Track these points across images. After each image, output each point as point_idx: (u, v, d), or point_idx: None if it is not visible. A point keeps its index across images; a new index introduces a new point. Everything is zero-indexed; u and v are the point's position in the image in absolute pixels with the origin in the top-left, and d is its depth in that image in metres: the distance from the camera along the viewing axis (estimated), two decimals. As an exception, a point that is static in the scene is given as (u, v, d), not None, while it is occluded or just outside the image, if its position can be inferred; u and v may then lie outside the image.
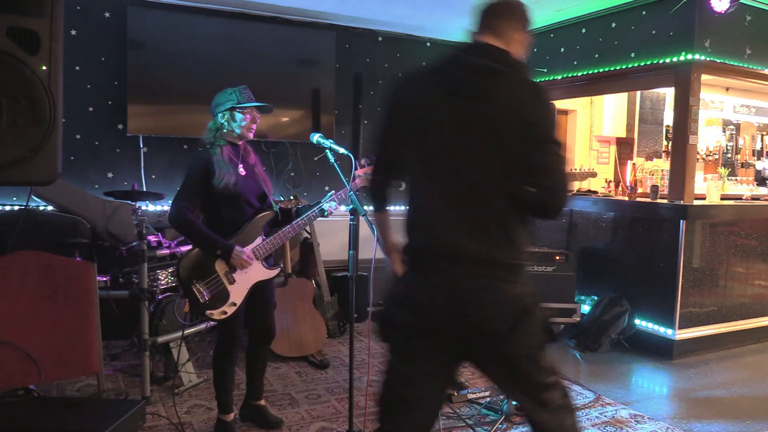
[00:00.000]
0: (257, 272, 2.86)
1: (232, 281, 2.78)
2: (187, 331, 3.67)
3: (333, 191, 2.99)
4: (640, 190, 5.21)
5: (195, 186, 2.75)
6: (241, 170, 2.82)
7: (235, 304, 2.77)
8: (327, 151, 2.77)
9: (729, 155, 7.93)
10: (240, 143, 2.89)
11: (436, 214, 1.75)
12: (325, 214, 2.94)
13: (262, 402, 3.16)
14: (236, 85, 2.90)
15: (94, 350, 2.50)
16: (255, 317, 2.99)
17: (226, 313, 2.74)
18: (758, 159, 8.14)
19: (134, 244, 3.71)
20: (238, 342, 2.91)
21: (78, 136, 4.72)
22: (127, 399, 3.35)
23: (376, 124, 1.98)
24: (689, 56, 4.33)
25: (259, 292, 2.91)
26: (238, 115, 2.81)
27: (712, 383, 4.02)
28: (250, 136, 2.86)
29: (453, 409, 3.32)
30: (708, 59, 4.37)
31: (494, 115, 1.70)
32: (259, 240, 2.86)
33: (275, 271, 2.93)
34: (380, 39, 5.89)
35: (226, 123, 2.80)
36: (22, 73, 2.20)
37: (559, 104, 5.95)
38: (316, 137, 2.81)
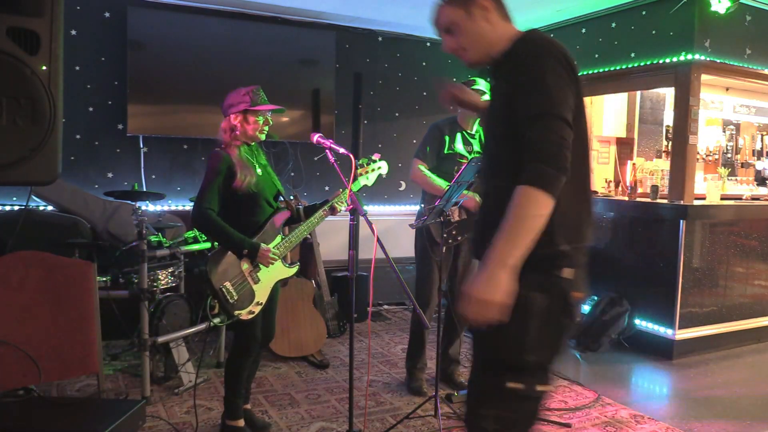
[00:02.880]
0: (279, 271, 2.88)
1: (257, 280, 2.79)
2: (186, 332, 3.67)
3: (341, 189, 3.02)
4: (640, 190, 5.21)
5: (217, 186, 2.75)
6: (258, 170, 2.86)
7: (260, 304, 2.78)
8: (327, 151, 2.77)
9: (729, 155, 7.93)
10: (252, 144, 2.92)
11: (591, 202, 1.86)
12: (339, 210, 3.00)
13: (248, 406, 3.15)
14: (238, 85, 2.91)
15: (94, 350, 2.50)
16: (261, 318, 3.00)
17: (253, 312, 2.75)
18: (758, 159, 8.15)
19: (134, 244, 3.71)
20: (257, 343, 2.92)
21: (78, 136, 4.72)
22: (127, 399, 3.35)
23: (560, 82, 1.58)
24: (689, 56, 4.33)
25: (271, 293, 2.92)
26: (251, 118, 2.83)
27: (712, 383, 4.02)
28: (262, 137, 2.89)
29: (453, 409, 3.32)
30: (708, 59, 4.37)
31: None
32: (278, 239, 2.89)
33: (295, 269, 2.97)
34: (380, 39, 5.89)
35: (238, 125, 2.81)
36: (22, 73, 2.20)
37: (559, 104, 5.94)
38: (316, 137, 2.81)
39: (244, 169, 2.77)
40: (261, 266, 2.80)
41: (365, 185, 3.09)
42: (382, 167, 3.13)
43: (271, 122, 2.89)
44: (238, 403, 2.95)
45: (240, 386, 2.95)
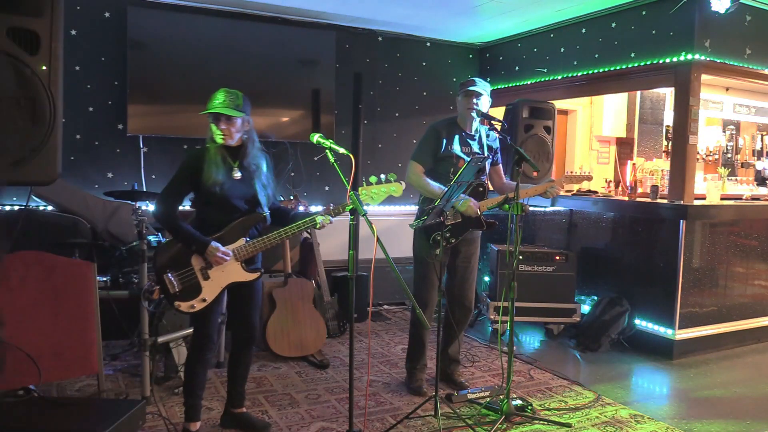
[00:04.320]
0: (234, 273, 2.83)
1: (206, 277, 2.77)
2: (187, 332, 3.67)
3: (331, 204, 2.92)
4: (640, 190, 5.21)
5: (181, 181, 2.80)
6: (236, 174, 2.82)
7: (205, 300, 2.76)
8: (327, 151, 2.77)
9: (729, 155, 7.94)
10: (236, 146, 2.84)
11: None
12: (317, 226, 2.86)
13: (244, 409, 3.12)
14: (238, 85, 2.91)
15: (94, 350, 2.50)
16: (236, 318, 2.99)
17: (194, 307, 2.75)
18: (758, 159, 8.16)
19: (134, 244, 3.71)
20: (211, 344, 2.90)
21: (78, 136, 4.72)
22: (127, 399, 3.35)
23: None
24: (689, 56, 4.33)
25: (241, 292, 2.91)
26: (210, 123, 2.81)
27: (712, 383, 4.02)
28: (225, 141, 2.79)
29: (453, 409, 3.32)
30: (708, 59, 4.37)
31: None
32: (241, 241, 2.83)
33: (254, 275, 2.89)
34: (380, 39, 5.89)
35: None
36: (22, 73, 2.20)
37: (559, 104, 5.95)
38: (316, 137, 2.81)
39: (211, 168, 2.75)
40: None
41: (367, 203, 2.75)
42: (395, 189, 2.80)
43: (224, 127, 2.75)
44: (193, 405, 2.91)
45: (193, 387, 2.90)
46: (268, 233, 2.87)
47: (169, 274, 2.72)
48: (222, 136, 2.78)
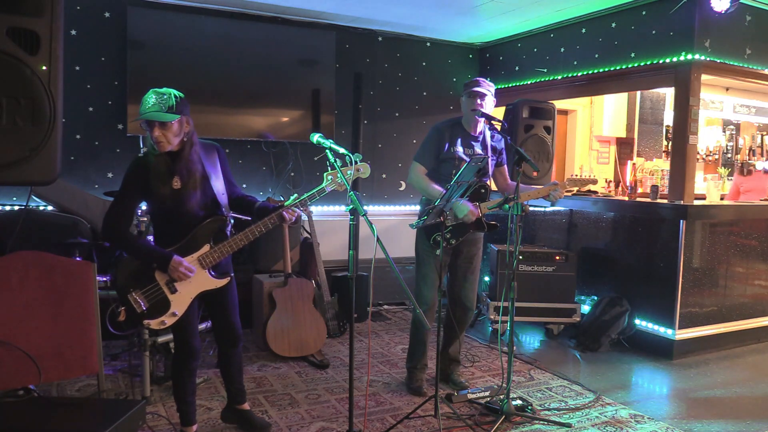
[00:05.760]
0: (202, 281, 2.69)
1: (173, 290, 2.64)
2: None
3: (296, 193, 2.82)
4: (640, 190, 5.22)
5: (129, 198, 2.64)
6: (176, 184, 2.61)
7: (175, 315, 2.65)
8: (327, 151, 2.76)
9: (729, 155, 7.95)
10: (177, 151, 2.64)
11: None
12: (285, 220, 2.72)
13: (246, 406, 3.09)
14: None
15: (94, 350, 2.50)
16: (216, 322, 2.93)
17: (165, 323, 2.63)
18: (758, 159, 8.16)
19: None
20: (193, 352, 2.80)
21: (78, 136, 4.73)
22: (127, 399, 3.35)
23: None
24: (689, 56, 4.33)
25: (215, 299, 2.82)
26: (145, 130, 2.60)
27: (712, 383, 4.02)
28: (164, 148, 2.59)
29: (453, 409, 3.32)
30: (708, 59, 4.37)
31: None
32: (206, 248, 2.68)
33: (224, 281, 2.77)
34: (380, 39, 5.89)
35: None
36: (22, 73, 2.21)
37: (559, 104, 5.95)
38: (316, 137, 2.80)
39: (156, 180, 2.60)
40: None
41: (335, 189, 2.76)
42: (362, 170, 2.79)
43: (159, 133, 2.55)
44: (185, 410, 2.89)
45: (184, 395, 2.86)
46: (239, 231, 2.73)
47: (134, 293, 2.59)
48: (160, 145, 2.56)
